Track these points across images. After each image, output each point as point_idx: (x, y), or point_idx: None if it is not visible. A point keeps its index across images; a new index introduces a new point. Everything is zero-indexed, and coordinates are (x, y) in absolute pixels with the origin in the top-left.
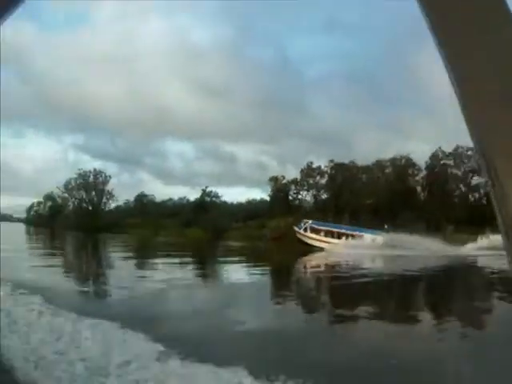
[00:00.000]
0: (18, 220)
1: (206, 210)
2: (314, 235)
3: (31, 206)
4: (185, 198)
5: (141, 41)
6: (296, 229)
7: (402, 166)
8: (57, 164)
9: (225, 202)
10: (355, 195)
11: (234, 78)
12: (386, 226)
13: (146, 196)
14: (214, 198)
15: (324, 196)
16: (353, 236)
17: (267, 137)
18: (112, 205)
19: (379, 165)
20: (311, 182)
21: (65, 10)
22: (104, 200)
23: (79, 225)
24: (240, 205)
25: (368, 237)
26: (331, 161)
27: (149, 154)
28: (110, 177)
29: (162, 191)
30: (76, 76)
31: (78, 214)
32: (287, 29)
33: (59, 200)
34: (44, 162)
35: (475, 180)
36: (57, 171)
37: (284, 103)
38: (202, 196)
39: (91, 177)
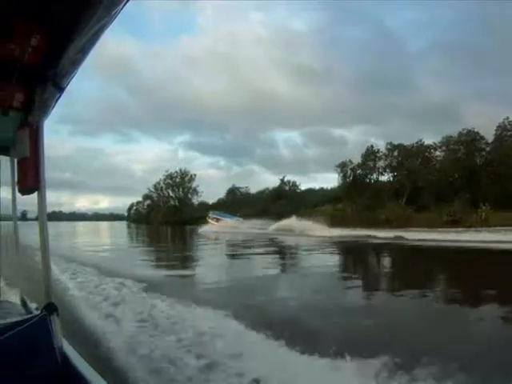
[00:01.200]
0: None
1: (281, 198)
2: (211, 221)
3: (131, 205)
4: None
5: (240, 35)
6: (208, 218)
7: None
8: (167, 164)
9: (311, 189)
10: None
11: (334, 60)
12: (238, 215)
13: (238, 188)
14: (293, 187)
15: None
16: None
17: (373, 117)
18: (199, 199)
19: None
20: (371, 165)
21: (166, 20)
22: (189, 196)
23: (168, 219)
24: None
25: (228, 221)
26: (389, 143)
27: (257, 144)
28: (195, 175)
29: (272, 180)
30: (181, 78)
31: (167, 211)
32: (383, 2)
33: (156, 198)
34: (154, 163)
35: None
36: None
37: (387, 81)
38: (280, 185)
39: (178, 177)
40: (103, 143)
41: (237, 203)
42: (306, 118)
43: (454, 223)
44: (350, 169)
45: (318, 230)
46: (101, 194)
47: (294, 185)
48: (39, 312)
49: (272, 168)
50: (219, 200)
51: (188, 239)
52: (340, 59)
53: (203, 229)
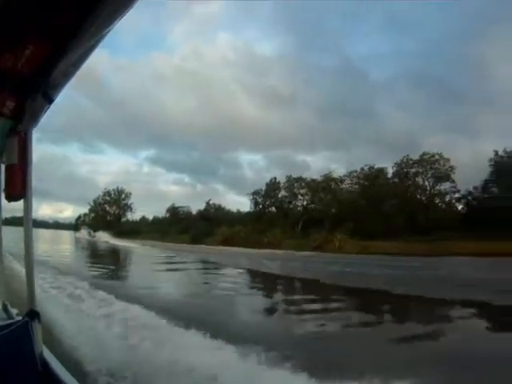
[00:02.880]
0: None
1: (205, 219)
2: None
3: (79, 217)
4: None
5: (210, 56)
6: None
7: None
8: (131, 177)
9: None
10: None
11: (300, 86)
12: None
13: (177, 208)
14: (218, 209)
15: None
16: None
17: (336, 143)
18: (134, 215)
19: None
20: (272, 194)
21: (138, 36)
22: (124, 211)
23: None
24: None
25: (84, 231)
26: (288, 176)
27: (222, 164)
28: (130, 193)
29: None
30: (149, 94)
31: (103, 223)
32: (348, 33)
33: (101, 212)
34: (119, 175)
35: None
36: (130, 184)
37: (350, 108)
38: (205, 208)
39: (114, 194)
40: (70, 152)
41: (171, 221)
42: (271, 141)
43: (317, 248)
44: (258, 196)
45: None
46: (65, 202)
47: (219, 207)
48: (21, 318)
49: (235, 188)
50: (161, 217)
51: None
52: (306, 85)
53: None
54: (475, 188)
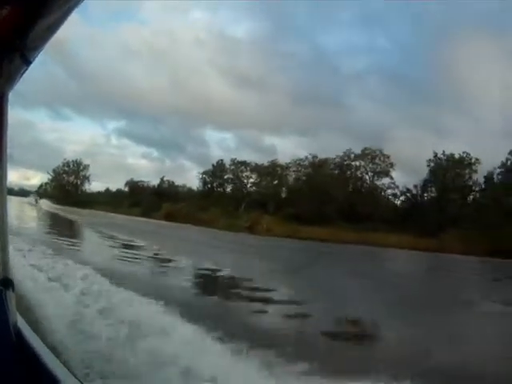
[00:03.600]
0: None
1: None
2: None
3: (41, 185)
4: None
5: (181, 34)
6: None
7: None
8: (99, 149)
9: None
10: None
11: (271, 70)
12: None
13: (136, 182)
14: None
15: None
16: None
17: (304, 130)
18: (93, 186)
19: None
20: (219, 175)
21: (110, 7)
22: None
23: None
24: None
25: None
26: (233, 160)
27: (190, 141)
28: (88, 165)
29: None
30: (119, 66)
31: (61, 193)
32: (322, 23)
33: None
34: (87, 146)
35: None
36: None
37: (320, 97)
38: (160, 183)
39: (72, 165)
40: (38, 118)
41: (129, 194)
42: (240, 122)
43: (248, 229)
44: (207, 176)
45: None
46: (33, 170)
47: (173, 184)
48: None
49: (202, 166)
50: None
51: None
52: (276, 71)
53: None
54: (415, 186)
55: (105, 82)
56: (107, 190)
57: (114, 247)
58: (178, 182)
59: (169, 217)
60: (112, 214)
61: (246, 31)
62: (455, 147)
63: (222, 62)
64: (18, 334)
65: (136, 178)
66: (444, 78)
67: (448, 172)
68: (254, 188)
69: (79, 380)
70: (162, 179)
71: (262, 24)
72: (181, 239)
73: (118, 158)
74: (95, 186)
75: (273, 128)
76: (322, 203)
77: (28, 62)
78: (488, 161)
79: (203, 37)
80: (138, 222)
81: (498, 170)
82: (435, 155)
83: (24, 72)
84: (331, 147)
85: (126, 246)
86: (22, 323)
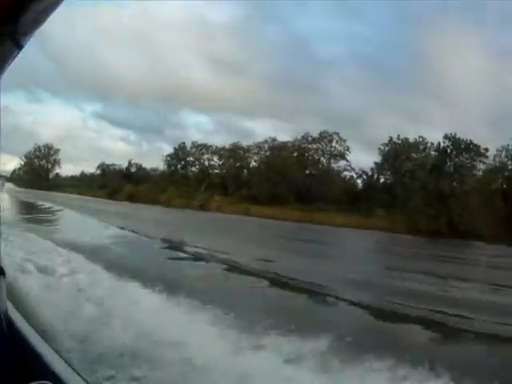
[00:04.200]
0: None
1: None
2: None
3: (14, 170)
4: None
5: (158, 15)
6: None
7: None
8: (77, 132)
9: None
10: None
11: (248, 55)
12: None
13: (108, 165)
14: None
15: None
16: None
17: (280, 113)
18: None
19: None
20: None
21: None
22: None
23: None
24: None
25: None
26: (194, 142)
27: (168, 124)
28: (58, 149)
29: None
30: (95, 47)
31: (33, 177)
32: (301, 9)
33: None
34: (64, 129)
35: None
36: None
37: (296, 81)
38: (127, 166)
39: (43, 149)
40: (14, 101)
41: (99, 177)
42: (218, 105)
43: (201, 207)
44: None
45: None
46: (10, 154)
47: (140, 167)
48: None
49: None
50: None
51: None
52: (254, 55)
53: None
54: (372, 169)
55: (81, 63)
56: (82, 174)
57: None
58: (154, 164)
59: (130, 198)
60: (75, 196)
61: (224, 16)
62: (429, 133)
63: (199, 45)
64: (10, 322)
65: (112, 161)
66: (421, 65)
67: (398, 156)
68: (216, 170)
69: (73, 368)
70: (129, 162)
71: (240, 9)
72: (115, 213)
73: (95, 141)
74: (71, 169)
75: (250, 111)
76: (277, 184)
77: (20, 47)
78: None
79: (182, 20)
80: (94, 202)
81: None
82: (390, 139)
83: (15, 56)
84: (307, 131)
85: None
86: (14, 313)
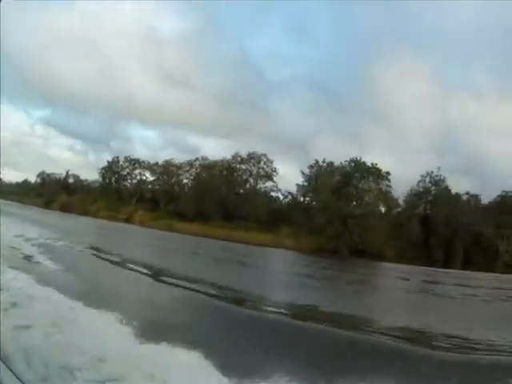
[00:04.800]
0: None
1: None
2: None
3: None
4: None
5: (108, 23)
6: None
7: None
8: (23, 138)
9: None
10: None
11: (197, 69)
12: None
13: (49, 174)
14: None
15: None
16: None
17: (228, 132)
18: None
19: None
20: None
21: None
22: None
23: None
24: None
25: None
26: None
27: (114, 136)
28: None
29: None
30: (44, 53)
31: None
32: (252, 28)
33: None
34: (12, 135)
35: None
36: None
37: (245, 100)
38: (65, 177)
39: None
40: None
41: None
42: (165, 119)
43: (125, 220)
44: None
45: None
46: None
47: (78, 178)
48: None
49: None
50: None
51: None
52: (202, 70)
53: None
54: (297, 190)
55: (27, 67)
56: (25, 181)
57: None
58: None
59: (63, 207)
60: (7, 202)
61: (174, 27)
62: (372, 157)
63: (148, 56)
64: None
65: (58, 170)
66: (368, 90)
67: (318, 178)
68: (151, 185)
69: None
70: (67, 172)
71: (190, 21)
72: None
73: (42, 148)
74: (19, 175)
75: (197, 128)
76: (204, 202)
77: None
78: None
79: (130, 28)
80: (25, 209)
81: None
82: (316, 162)
83: None
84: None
85: None
86: None
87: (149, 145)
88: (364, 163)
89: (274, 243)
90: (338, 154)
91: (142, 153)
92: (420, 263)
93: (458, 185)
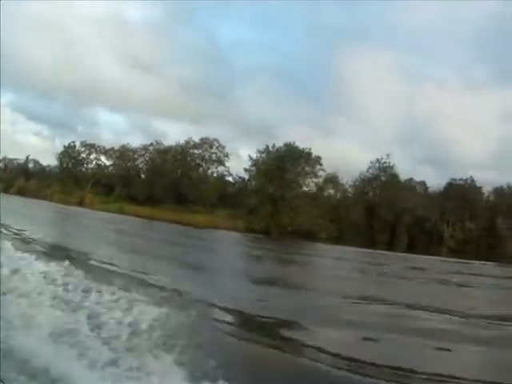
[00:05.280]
0: None
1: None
2: None
3: None
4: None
5: (76, 9)
6: None
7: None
8: None
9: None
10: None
11: (165, 56)
12: None
13: (12, 160)
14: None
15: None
16: None
17: (194, 118)
18: None
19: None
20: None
21: None
22: None
23: None
24: None
25: None
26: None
27: (81, 121)
28: None
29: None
30: (12, 37)
31: None
32: (219, 16)
33: None
34: None
35: None
36: None
37: (211, 87)
38: (25, 162)
39: None
40: None
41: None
42: (132, 105)
43: (79, 203)
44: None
45: None
46: None
47: (37, 162)
48: None
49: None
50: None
51: None
52: (169, 57)
53: None
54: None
55: None
56: None
57: None
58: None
59: (20, 192)
60: None
61: (142, 14)
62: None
63: (116, 42)
64: None
65: (18, 156)
66: (333, 80)
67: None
68: (108, 169)
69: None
70: (27, 158)
71: (159, 9)
72: None
73: (8, 133)
74: None
75: (164, 113)
76: (155, 186)
77: None
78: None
79: (98, 14)
80: None
81: None
82: (266, 147)
83: None
84: (220, 137)
85: None
86: None
87: (115, 129)
88: (296, 147)
89: (216, 224)
90: (302, 140)
91: (108, 137)
92: (363, 246)
93: (421, 173)
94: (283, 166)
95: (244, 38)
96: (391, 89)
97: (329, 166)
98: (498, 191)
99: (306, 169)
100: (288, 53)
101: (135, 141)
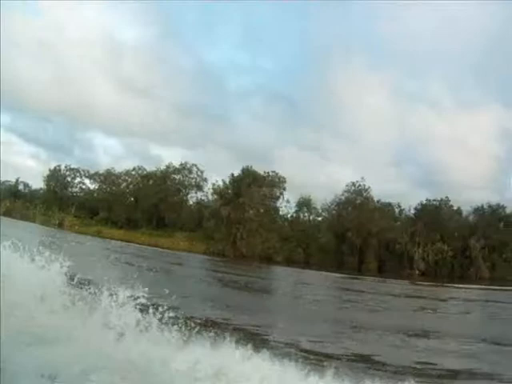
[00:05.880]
0: None
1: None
2: None
3: None
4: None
5: (71, 32)
6: None
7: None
8: None
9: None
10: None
11: (157, 80)
12: None
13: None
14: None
15: None
16: None
17: (190, 142)
18: None
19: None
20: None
21: None
22: None
23: None
24: None
25: None
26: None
27: (77, 145)
28: None
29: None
30: (6, 58)
31: None
32: (208, 38)
33: None
34: None
35: None
36: None
37: (205, 111)
38: (15, 184)
39: None
40: None
41: None
42: (126, 128)
43: (58, 225)
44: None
45: None
46: None
47: (27, 185)
48: None
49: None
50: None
51: None
52: (163, 81)
53: None
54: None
55: None
56: None
57: None
58: None
59: (6, 212)
60: None
61: (134, 37)
62: (332, 168)
63: (109, 64)
64: None
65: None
66: (325, 100)
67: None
68: (93, 193)
69: None
70: (17, 180)
71: (150, 32)
72: None
73: (4, 155)
74: None
75: (159, 138)
76: (134, 210)
77: None
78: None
79: (92, 37)
80: None
81: None
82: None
83: None
84: (216, 162)
85: None
86: None
87: (111, 153)
88: (253, 171)
89: (188, 248)
90: (293, 164)
91: (104, 160)
92: (330, 270)
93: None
94: (237, 189)
95: (233, 59)
96: (385, 108)
97: (321, 189)
98: (479, 211)
99: (264, 191)
100: (277, 72)
101: (130, 164)
